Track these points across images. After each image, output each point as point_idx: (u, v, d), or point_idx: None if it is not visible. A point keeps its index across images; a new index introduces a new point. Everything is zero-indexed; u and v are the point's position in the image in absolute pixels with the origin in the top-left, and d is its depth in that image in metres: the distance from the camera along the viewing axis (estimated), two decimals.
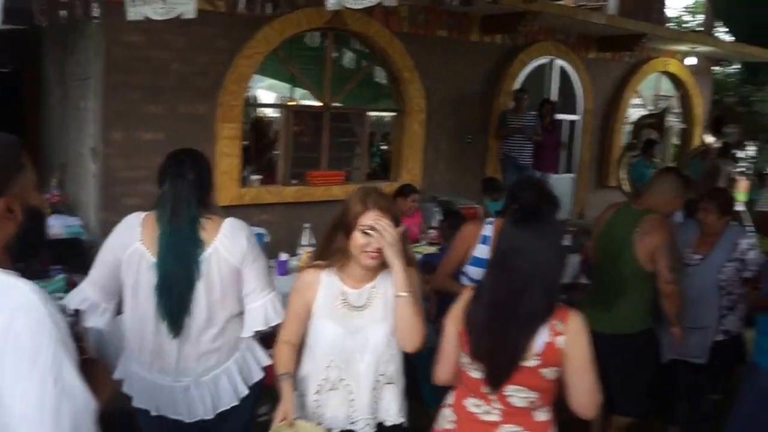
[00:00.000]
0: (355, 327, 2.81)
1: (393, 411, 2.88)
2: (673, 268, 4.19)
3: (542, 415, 2.65)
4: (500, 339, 2.53)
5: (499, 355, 2.55)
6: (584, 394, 2.54)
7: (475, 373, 2.63)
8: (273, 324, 3.09)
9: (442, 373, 2.76)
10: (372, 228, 2.69)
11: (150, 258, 2.93)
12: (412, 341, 2.76)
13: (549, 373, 2.54)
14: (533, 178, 4.53)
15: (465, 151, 10.75)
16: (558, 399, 2.65)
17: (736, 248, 4.77)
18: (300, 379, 2.88)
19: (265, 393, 3.37)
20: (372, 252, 2.72)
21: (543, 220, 2.58)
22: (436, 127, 10.29)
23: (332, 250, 2.83)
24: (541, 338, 2.51)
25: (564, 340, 2.51)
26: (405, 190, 7.07)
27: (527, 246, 2.50)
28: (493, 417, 2.64)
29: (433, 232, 7.07)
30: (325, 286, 2.85)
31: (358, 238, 2.73)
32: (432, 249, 6.42)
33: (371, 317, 2.82)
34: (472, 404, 2.69)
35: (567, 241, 7.40)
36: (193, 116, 8.04)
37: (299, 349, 2.92)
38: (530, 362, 2.52)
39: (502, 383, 2.57)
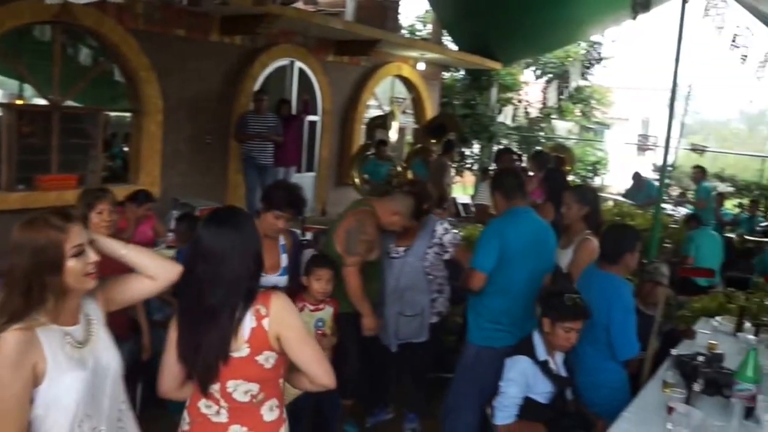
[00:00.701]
0: (92, 363, 2.46)
1: None
2: (349, 252, 4.60)
3: (270, 415, 2.71)
4: (197, 339, 2.58)
5: (199, 354, 2.59)
6: (312, 365, 2.64)
7: None
8: None
9: (164, 383, 2.73)
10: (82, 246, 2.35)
11: None
12: (174, 267, 2.63)
13: (264, 359, 2.61)
14: (285, 181, 4.72)
15: (206, 152, 10.63)
16: None
17: (434, 234, 5.16)
18: None
19: None
20: (93, 270, 2.40)
21: (229, 222, 2.65)
22: (175, 128, 10.08)
23: (42, 300, 2.30)
24: (247, 325, 2.58)
25: (269, 322, 2.58)
26: (139, 197, 6.82)
27: (210, 248, 2.58)
28: (222, 418, 2.67)
29: (171, 236, 6.91)
30: (48, 339, 2.31)
31: (73, 265, 2.32)
32: (170, 253, 6.26)
33: (100, 344, 2.52)
34: (204, 405, 2.70)
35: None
36: None
37: None
38: (242, 352, 2.58)
39: (210, 381, 2.61)
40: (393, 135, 13.29)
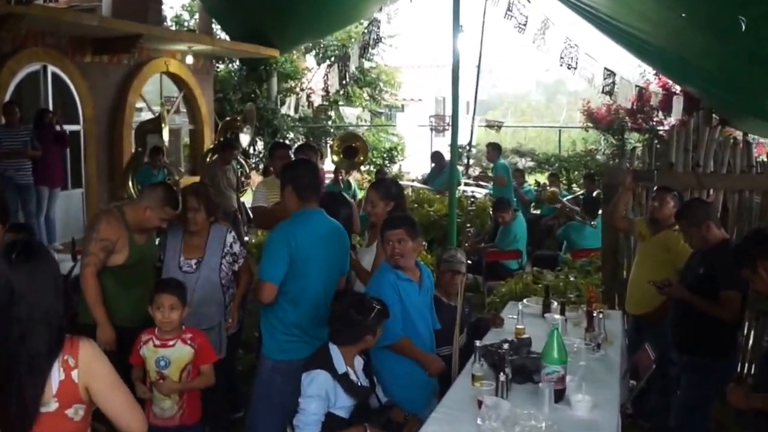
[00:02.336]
0: None
1: None
2: (84, 252, 4.73)
3: None
4: (6, 394, 2.51)
5: (8, 411, 2.51)
6: (122, 414, 2.70)
7: None
8: None
9: None
10: None
11: None
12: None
13: (73, 413, 2.64)
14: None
15: None
16: None
17: (225, 244, 5.33)
18: None
19: None
20: None
21: (36, 256, 2.62)
22: None
23: None
24: (55, 378, 2.57)
25: (78, 374, 2.61)
26: None
27: (26, 287, 2.53)
28: None
29: None
30: None
31: None
32: None
33: None
34: None
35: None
36: None
37: None
38: (49, 406, 2.57)
39: None
40: (166, 138, 13.27)
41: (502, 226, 10.15)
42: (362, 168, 17.59)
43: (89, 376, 2.64)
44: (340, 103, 23.06)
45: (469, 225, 11.24)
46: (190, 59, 15.28)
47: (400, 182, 7.86)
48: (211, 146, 14.78)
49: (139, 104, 14.46)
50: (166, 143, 13.38)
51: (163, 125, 13.09)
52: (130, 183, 12.68)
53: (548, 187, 14.32)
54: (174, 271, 5.20)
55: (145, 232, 5.05)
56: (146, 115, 14.47)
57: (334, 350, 4.14)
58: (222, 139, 14.23)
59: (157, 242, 5.59)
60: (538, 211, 13.75)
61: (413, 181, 17.15)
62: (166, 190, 5.09)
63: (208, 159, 13.42)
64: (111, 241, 4.77)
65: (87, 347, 2.68)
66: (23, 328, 2.53)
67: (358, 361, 4.29)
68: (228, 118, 15.75)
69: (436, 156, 15.26)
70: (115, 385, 2.73)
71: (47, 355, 2.57)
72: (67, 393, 2.60)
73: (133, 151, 13.53)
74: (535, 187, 15.67)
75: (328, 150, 18.99)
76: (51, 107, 12.06)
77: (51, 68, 12.11)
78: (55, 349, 2.59)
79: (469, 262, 6.87)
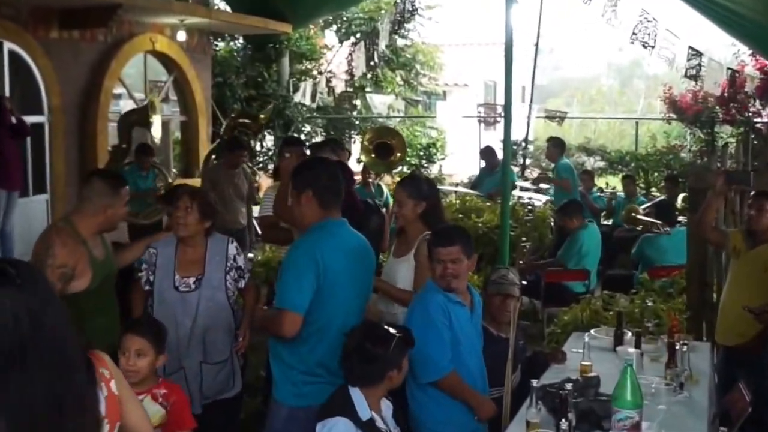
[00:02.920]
0: None
1: None
2: (52, 275, 4.64)
3: None
4: None
5: None
6: (143, 420, 2.87)
7: None
8: None
9: None
10: None
11: None
12: None
13: None
14: None
15: None
16: None
17: (228, 256, 5.36)
18: None
19: None
20: None
21: (38, 276, 2.44)
22: None
23: None
24: (101, 398, 2.56)
25: (115, 384, 2.66)
26: None
27: (37, 307, 2.29)
28: None
29: None
30: None
31: None
32: None
33: None
34: None
35: None
36: None
37: None
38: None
39: None
40: (156, 132, 13.27)
41: (569, 236, 10.06)
42: (394, 170, 17.56)
43: (120, 384, 2.72)
44: (368, 89, 23.10)
45: (524, 239, 11.14)
46: (182, 35, 15.26)
47: (441, 187, 7.79)
48: (214, 145, 14.79)
49: (118, 90, 14.54)
50: (156, 138, 13.41)
51: (152, 116, 13.09)
52: None
53: (620, 194, 14.17)
54: (168, 291, 5.21)
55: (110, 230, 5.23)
56: (126, 104, 14.51)
57: (356, 393, 4.15)
58: (227, 137, 14.11)
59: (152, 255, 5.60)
60: (610, 222, 13.60)
61: (457, 185, 17.03)
62: (102, 175, 5.28)
63: (210, 161, 13.47)
64: (69, 266, 4.80)
65: (106, 356, 2.75)
66: (61, 367, 2.33)
67: (386, 405, 4.31)
68: (234, 115, 15.72)
69: (487, 152, 14.92)
70: (133, 393, 2.91)
71: (90, 384, 2.49)
72: (113, 409, 2.64)
73: (110, 148, 13.54)
74: (599, 192, 15.42)
75: (357, 147, 18.97)
76: (8, 93, 12.12)
77: (8, 46, 12.20)
78: (87, 372, 2.50)
79: (524, 283, 6.82)
